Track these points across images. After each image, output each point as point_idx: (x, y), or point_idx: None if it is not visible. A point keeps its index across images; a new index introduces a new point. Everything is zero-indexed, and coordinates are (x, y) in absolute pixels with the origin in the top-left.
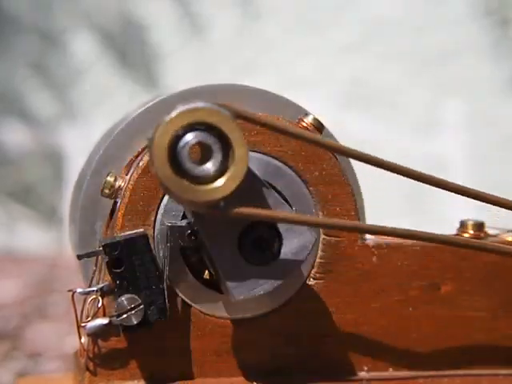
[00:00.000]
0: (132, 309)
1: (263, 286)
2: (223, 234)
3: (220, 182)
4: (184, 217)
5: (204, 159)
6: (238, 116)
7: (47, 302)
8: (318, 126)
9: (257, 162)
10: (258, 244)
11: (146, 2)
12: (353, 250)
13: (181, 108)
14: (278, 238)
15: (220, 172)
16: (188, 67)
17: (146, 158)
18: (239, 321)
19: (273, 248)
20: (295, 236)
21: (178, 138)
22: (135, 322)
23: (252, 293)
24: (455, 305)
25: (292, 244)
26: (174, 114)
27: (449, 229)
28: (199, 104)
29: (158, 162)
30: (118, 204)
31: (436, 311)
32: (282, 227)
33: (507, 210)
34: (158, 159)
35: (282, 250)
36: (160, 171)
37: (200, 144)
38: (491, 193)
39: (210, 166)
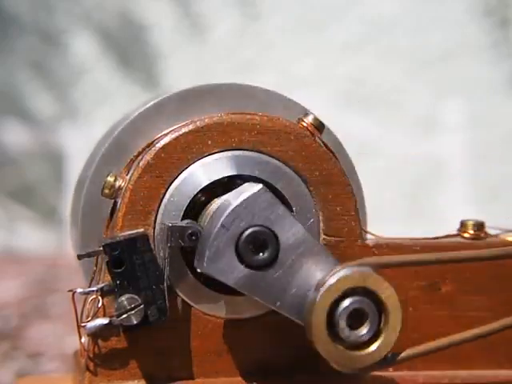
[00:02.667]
0: (132, 309)
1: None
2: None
3: (375, 345)
4: (184, 217)
5: (359, 323)
6: (383, 267)
7: (47, 302)
8: (319, 126)
9: (257, 162)
10: (255, 247)
11: (146, 2)
12: (353, 250)
13: (342, 272)
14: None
15: (374, 337)
16: (188, 67)
17: (146, 157)
18: (239, 321)
19: (269, 253)
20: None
21: (336, 303)
22: (135, 322)
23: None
24: (455, 305)
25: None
26: (336, 278)
27: (449, 229)
28: (352, 269)
29: (316, 326)
30: (118, 204)
31: (436, 311)
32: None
33: (506, 210)
34: (317, 327)
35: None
36: (317, 337)
37: (357, 310)
38: (491, 193)
39: (364, 332)
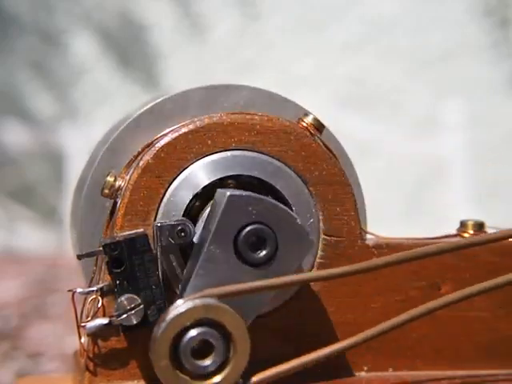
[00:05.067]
0: (132, 309)
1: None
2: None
3: (219, 377)
4: (184, 217)
5: (204, 354)
6: (222, 296)
7: (47, 302)
8: (318, 126)
9: (257, 162)
10: (253, 244)
11: (146, 2)
12: (353, 250)
13: (191, 303)
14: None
15: (219, 368)
16: (188, 67)
17: (145, 157)
18: None
19: (268, 249)
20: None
21: (182, 332)
22: (135, 322)
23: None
24: (455, 305)
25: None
26: (184, 308)
27: (449, 229)
28: (205, 301)
29: (157, 355)
30: (118, 204)
31: (436, 311)
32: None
33: (506, 209)
34: (158, 353)
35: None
36: (159, 364)
37: (203, 340)
38: (491, 193)
39: (209, 362)
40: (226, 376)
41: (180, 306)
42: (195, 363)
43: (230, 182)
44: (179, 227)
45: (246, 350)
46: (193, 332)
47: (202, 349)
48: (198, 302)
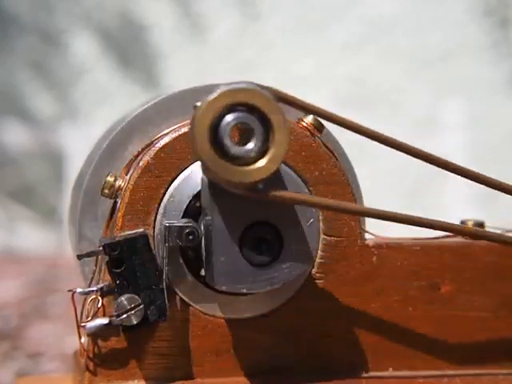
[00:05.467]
0: (132, 309)
1: (252, 285)
2: (228, 229)
3: (260, 163)
4: (184, 217)
5: (245, 140)
6: (280, 99)
7: (47, 302)
8: (318, 126)
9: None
10: (259, 244)
11: (146, 2)
12: (353, 250)
13: (223, 88)
14: (279, 240)
15: (260, 153)
16: (188, 67)
17: (145, 157)
18: (239, 321)
19: (273, 250)
20: (296, 242)
21: (219, 118)
22: (135, 322)
23: (236, 288)
24: (455, 305)
25: (291, 251)
26: (216, 93)
27: None
28: (241, 85)
29: (199, 141)
30: (118, 204)
31: (436, 311)
32: (283, 230)
33: (506, 210)
34: (199, 138)
35: (282, 255)
36: (201, 151)
37: (241, 125)
38: (491, 193)
39: (250, 147)
40: (269, 159)
41: (214, 92)
42: (236, 147)
43: None
44: (188, 230)
45: (285, 138)
46: (229, 117)
47: (243, 138)
48: (241, 85)
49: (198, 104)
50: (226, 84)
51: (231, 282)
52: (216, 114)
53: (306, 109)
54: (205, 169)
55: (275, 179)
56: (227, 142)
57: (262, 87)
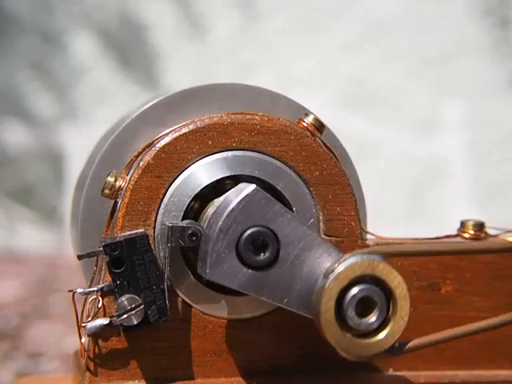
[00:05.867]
0: (132, 309)
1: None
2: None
3: (384, 333)
4: (184, 217)
5: (367, 311)
6: (389, 255)
7: (47, 302)
8: (319, 126)
9: (257, 162)
10: (256, 247)
11: (145, 2)
12: (353, 250)
13: (343, 265)
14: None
15: (382, 326)
16: (188, 67)
17: (146, 158)
18: (239, 321)
19: (270, 252)
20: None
21: (344, 291)
22: (135, 322)
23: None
24: (455, 305)
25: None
26: (336, 272)
27: (449, 229)
28: (357, 258)
29: (325, 316)
30: (119, 204)
31: (436, 311)
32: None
33: (506, 210)
34: (326, 314)
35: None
36: (327, 327)
37: (365, 298)
38: (491, 193)
39: (373, 320)
40: (390, 331)
41: (347, 259)
42: (360, 320)
43: (229, 182)
44: (190, 231)
45: (405, 310)
46: (355, 289)
47: (363, 308)
48: (365, 257)
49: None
50: (355, 256)
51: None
52: (343, 287)
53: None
54: (333, 343)
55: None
56: (352, 316)
57: (375, 253)
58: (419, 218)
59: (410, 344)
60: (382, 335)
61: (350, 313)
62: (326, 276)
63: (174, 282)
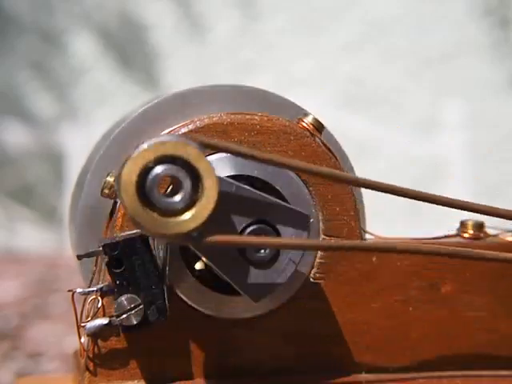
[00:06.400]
0: (132, 309)
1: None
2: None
3: (189, 213)
4: None
5: (174, 191)
6: (206, 146)
7: (47, 302)
8: (318, 126)
9: (257, 162)
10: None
11: (146, 2)
12: (352, 249)
13: (147, 142)
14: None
15: (190, 204)
16: (188, 67)
17: None
18: (239, 321)
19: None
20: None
21: (146, 171)
22: (135, 322)
23: (269, 292)
24: (455, 305)
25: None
26: (140, 148)
27: (449, 229)
28: (166, 137)
29: (126, 197)
30: (118, 204)
31: (436, 311)
32: (280, 226)
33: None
34: (126, 194)
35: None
36: (129, 206)
37: (169, 177)
38: (491, 193)
39: (179, 198)
40: (195, 213)
41: (144, 143)
42: (164, 199)
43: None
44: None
45: (213, 186)
46: (158, 169)
47: (173, 189)
48: (162, 138)
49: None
50: (149, 140)
51: (263, 292)
52: (143, 168)
53: (229, 150)
54: (135, 224)
55: (209, 225)
56: (155, 195)
57: (187, 137)
58: (419, 218)
59: (213, 237)
60: (185, 216)
61: (153, 192)
62: (122, 163)
63: (173, 282)
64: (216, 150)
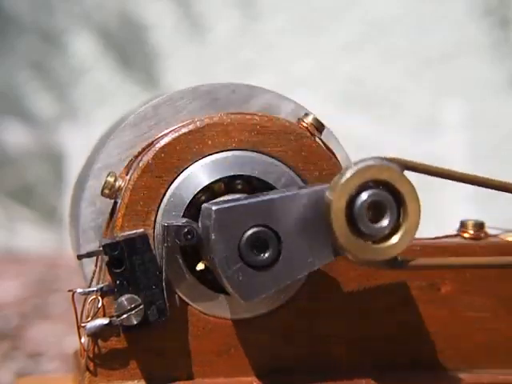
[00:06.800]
0: (132, 309)
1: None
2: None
3: (395, 238)
4: (184, 217)
5: (379, 216)
6: (408, 168)
7: (47, 302)
8: (318, 126)
9: (257, 162)
10: (258, 247)
11: (146, 2)
12: None
13: (354, 168)
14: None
15: (394, 228)
16: (188, 67)
17: (146, 158)
18: (239, 321)
19: (272, 251)
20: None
21: (352, 198)
22: (135, 322)
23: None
24: (455, 305)
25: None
26: (348, 174)
27: (449, 229)
28: (370, 162)
29: (337, 224)
30: (118, 204)
31: (436, 311)
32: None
33: (506, 210)
34: (337, 222)
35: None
36: (340, 235)
37: (375, 202)
38: (491, 193)
39: (385, 224)
40: (401, 238)
41: (351, 168)
42: (371, 225)
43: (238, 181)
44: (186, 229)
45: (417, 212)
46: (364, 195)
47: (374, 215)
48: (371, 162)
49: (331, 186)
50: (354, 164)
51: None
52: (350, 195)
53: (434, 173)
54: (344, 250)
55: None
56: (363, 221)
57: (388, 160)
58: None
59: (417, 261)
60: (391, 241)
61: (362, 219)
62: (331, 190)
63: (173, 282)
64: (416, 171)
